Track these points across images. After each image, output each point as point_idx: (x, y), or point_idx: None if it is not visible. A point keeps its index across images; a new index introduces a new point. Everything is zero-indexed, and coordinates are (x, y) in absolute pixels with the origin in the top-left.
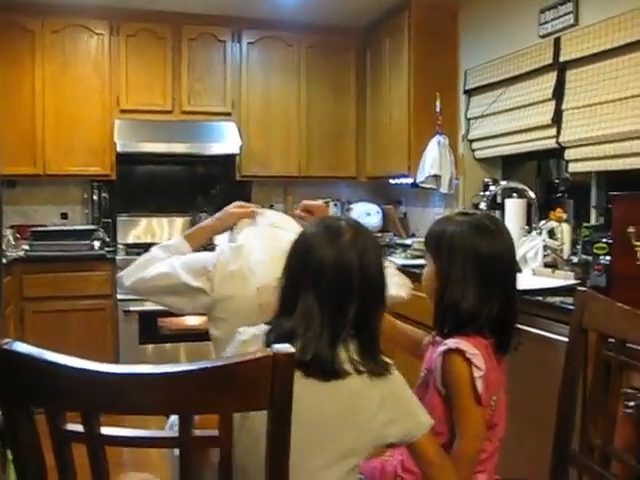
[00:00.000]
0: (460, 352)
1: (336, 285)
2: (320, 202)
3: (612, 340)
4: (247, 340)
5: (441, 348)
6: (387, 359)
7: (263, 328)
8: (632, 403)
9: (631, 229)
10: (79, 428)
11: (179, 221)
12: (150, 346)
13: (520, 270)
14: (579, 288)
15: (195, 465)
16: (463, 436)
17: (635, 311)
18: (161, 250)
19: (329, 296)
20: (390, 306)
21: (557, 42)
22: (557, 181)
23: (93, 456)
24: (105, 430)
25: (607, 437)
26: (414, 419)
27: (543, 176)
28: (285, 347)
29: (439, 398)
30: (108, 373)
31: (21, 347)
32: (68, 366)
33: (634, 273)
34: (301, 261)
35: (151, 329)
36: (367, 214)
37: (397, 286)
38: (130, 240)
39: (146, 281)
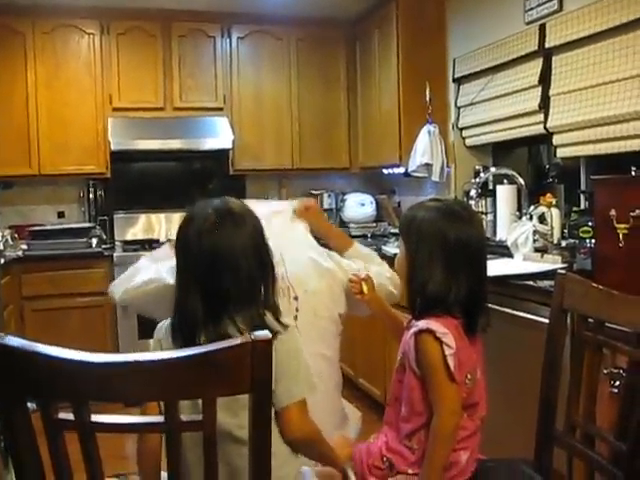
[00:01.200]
0: (430, 332)
1: (204, 270)
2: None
3: (591, 320)
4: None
5: (412, 330)
6: (286, 323)
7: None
8: (617, 382)
9: (613, 212)
10: (70, 417)
11: (176, 217)
12: (150, 340)
13: (512, 255)
14: (559, 271)
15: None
16: (439, 413)
17: (611, 291)
18: (147, 260)
19: (203, 280)
20: (387, 300)
21: (542, 28)
22: (547, 166)
23: (85, 444)
24: (95, 417)
25: (588, 416)
26: (283, 386)
27: (534, 162)
28: (263, 334)
29: (415, 379)
30: (96, 362)
31: (13, 341)
32: (58, 357)
33: (617, 255)
34: (181, 253)
35: (150, 324)
36: (361, 204)
37: (390, 282)
38: (127, 237)
39: (133, 289)
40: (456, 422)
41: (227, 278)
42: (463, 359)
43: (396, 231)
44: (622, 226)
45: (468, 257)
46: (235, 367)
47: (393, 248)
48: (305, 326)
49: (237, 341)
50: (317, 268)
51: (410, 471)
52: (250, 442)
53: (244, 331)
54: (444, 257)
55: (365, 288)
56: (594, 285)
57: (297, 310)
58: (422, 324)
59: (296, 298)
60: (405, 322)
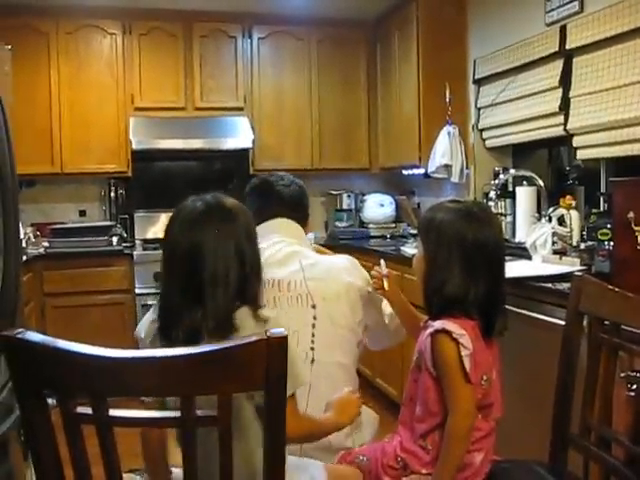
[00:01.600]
0: (447, 332)
1: (183, 261)
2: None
3: (607, 323)
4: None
5: (429, 330)
6: (265, 316)
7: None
8: (635, 386)
9: (631, 214)
10: (89, 411)
11: None
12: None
13: (530, 257)
14: (575, 273)
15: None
16: (454, 414)
17: (627, 294)
18: None
19: (181, 271)
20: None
21: (563, 30)
22: (568, 168)
23: (102, 438)
24: (112, 412)
25: (603, 419)
26: None
27: (554, 164)
28: (278, 331)
29: (431, 379)
30: (114, 358)
31: (33, 336)
32: (77, 352)
33: (635, 258)
34: (165, 242)
35: None
36: (381, 205)
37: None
38: (147, 236)
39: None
40: (470, 423)
41: (204, 271)
42: (479, 360)
43: (415, 232)
44: None
45: (486, 259)
46: (250, 363)
47: (412, 249)
48: (323, 334)
49: (252, 338)
50: (336, 277)
51: (424, 471)
52: (265, 438)
53: (210, 326)
54: (462, 258)
55: (386, 284)
56: (610, 287)
57: (315, 318)
58: (438, 324)
59: (314, 306)
60: (422, 322)
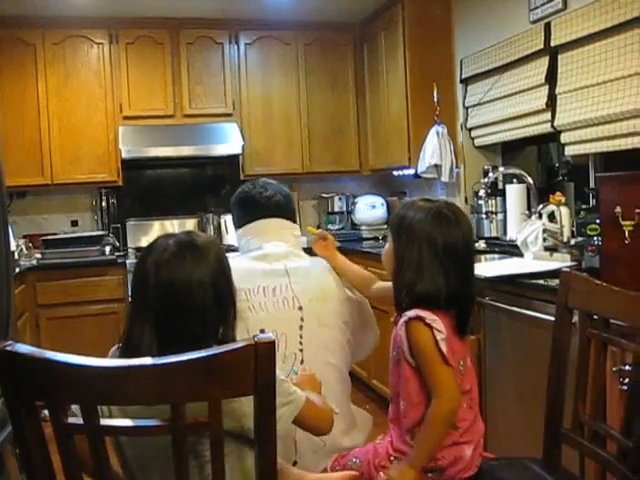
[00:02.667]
0: (420, 319)
1: (156, 303)
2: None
3: (596, 318)
4: None
5: (402, 319)
6: None
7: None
8: (627, 380)
9: (618, 209)
10: (80, 421)
11: (188, 223)
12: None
13: (522, 255)
14: (563, 269)
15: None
16: (438, 397)
17: (613, 288)
18: None
19: (154, 313)
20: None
21: (547, 27)
22: (557, 165)
23: (94, 447)
24: (103, 421)
25: (596, 414)
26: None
27: (544, 160)
28: (266, 336)
29: (410, 369)
30: (103, 367)
31: (22, 348)
32: (65, 362)
33: (623, 252)
34: (136, 282)
35: None
36: (372, 206)
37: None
38: (140, 244)
39: None
40: (454, 406)
41: (179, 314)
42: (455, 348)
43: None
44: (628, 223)
45: (455, 259)
46: (239, 369)
47: None
48: (311, 335)
49: (240, 344)
50: (321, 279)
51: None
52: (256, 443)
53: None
54: (432, 259)
55: (325, 244)
56: (597, 282)
57: (302, 320)
58: (411, 313)
59: (300, 308)
60: (392, 318)
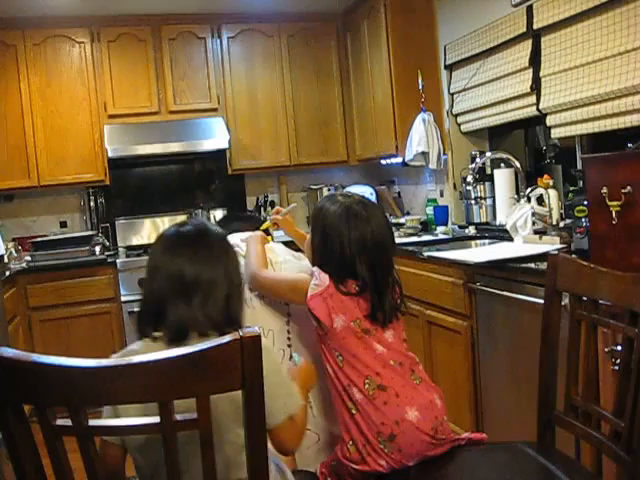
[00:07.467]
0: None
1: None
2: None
3: (585, 299)
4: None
5: None
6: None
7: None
8: (618, 360)
9: (604, 190)
10: (68, 423)
11: (179, 219)
12: None
13: (512, 239)
14: (551, 252)
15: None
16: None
17: (600, 269)
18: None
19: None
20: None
21: (529, 10)
22: (544, 148)
23: (83, 447)
24: (92, 422)
25: (588, 396)
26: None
27: (531, 144)
28: (252, 330)
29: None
30: (88, 367)
31: (7, 352)
32: (51, 364)
33: (611, 233)
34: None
35: None
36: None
37: None
38: (130, 242)
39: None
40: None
41: (194, 298)
42: (343, 304)
43: (397, 221)
44: (614, 203)
45: (365, 253)
46: (226, 364)
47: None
48: (298, 330)
49: (226, 338)
50: (299, 267)
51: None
52: (246, 437)
53: (201, 320)
54: (339, 252)
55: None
56: (584, 264)
57: (289, 315)
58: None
59: (287, 303)
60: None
